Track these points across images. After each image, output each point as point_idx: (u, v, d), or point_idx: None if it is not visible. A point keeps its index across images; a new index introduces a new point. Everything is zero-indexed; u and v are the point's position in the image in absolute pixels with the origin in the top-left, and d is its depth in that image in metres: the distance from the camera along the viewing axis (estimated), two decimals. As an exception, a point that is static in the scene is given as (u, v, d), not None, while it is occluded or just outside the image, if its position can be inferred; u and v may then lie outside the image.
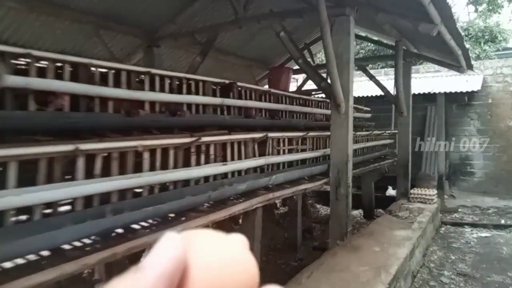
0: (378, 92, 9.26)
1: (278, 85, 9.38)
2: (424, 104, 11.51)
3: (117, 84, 3.04)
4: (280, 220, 7.79)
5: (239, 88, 4.49)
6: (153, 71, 3.15)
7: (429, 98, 10.84)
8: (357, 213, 9.02)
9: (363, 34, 9.34)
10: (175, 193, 2.79)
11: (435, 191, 8.19)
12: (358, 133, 6.70)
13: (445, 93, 10.15)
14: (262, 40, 8.54)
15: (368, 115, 9.00)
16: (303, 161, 5.05)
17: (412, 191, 8.19)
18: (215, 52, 8.08)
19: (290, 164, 4.74)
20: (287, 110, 5.54)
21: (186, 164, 3.01)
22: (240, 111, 4.54)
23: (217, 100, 3.95)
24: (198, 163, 3.09)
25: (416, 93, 9.96)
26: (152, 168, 2.70)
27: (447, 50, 6.38)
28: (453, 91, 10.09)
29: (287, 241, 6.64)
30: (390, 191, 9.79)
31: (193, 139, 2.83)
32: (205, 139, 3.02)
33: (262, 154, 4.04)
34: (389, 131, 8.90)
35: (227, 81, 4.11)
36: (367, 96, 10.94)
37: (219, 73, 8.67)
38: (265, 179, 3.79)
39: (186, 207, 2.87)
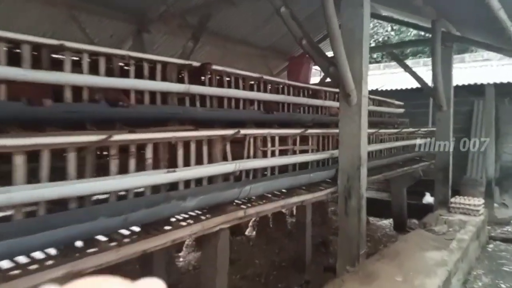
0: (415, 84, 8.01)
1: (298, 77, 8.39)
2: (470, 98, 10.03)
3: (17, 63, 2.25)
4: (293, 230, 6.79)
5: (218, 74, 3.60)
6: (68, 44, 2.32)
7: (476, 91, 9.38)
8: (387, 223, 7.83)
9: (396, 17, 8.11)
10: (71, 214, 1.94)
11: (482, 200, 6.86)
12: (382, 130, 5.59)
13: (495, 84, 8.63)
14: (276, 25, 7.56)
15: (401, 111, 7.78)
16: (305, 165, 4.06)
17: (453, 199, 6.91)
18: (222, 39, 7.23)
19: (286, 170, 3.77)
20: (290, 103, 4.58)
21: (105, 172, 2.17)
22: (221, 102, 3.65)
23: (180, 87, 3.08)
24: (124, 171, 2.23)
25: (460, 84, 8.57)
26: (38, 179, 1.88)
27: (497, 28, 5.12)
28: (505, 81, 8.56)
29: (297, 257, 5.65)
30: (428, 199, 8.47)
31: (101, 137, 1.97)
32: (125, 137, 2.15)
33: (239, 157, 3.12)
34: (425, 129, 7.62)
35: (196, 63, 3.23)
36: (401, 90, 9.64)
37: (230, 64, 7.82)
38: (233, 191, 2.85)
39: (81, 236, 1.98)
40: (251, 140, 3.16)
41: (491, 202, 8.71)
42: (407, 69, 7.50)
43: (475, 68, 10.02)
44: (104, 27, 5.67)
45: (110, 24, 5.70)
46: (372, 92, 10.35)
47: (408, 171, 6.47)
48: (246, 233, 6.33)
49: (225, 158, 2.91)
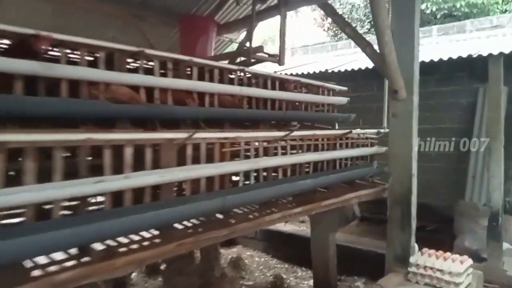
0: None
1: (193, 48, 5.51)
2: (473, 86, 6.84)
3: None
4: None
5: None
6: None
7: (481, 74, 6.20)
8: (309, 285, 4.74)
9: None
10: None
11: (468, 262, 3.70)
12: (241, 134, 2.58)
13: (504, 57, 5.36)
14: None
15: (342, 100, 4.70)
16: None
17: (413, 259, 3.78)
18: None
19: None
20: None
21: None
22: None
23: None
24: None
25: (446, 59, 5.44)
26: None
27: None
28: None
29: None
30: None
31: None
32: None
33: None
34: (378, 130, 4.51)
35: None
36: (362, 70, 6.56)
37: (96, 32, 5.32)
38: None
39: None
40: None
41: (497, 245, 5.54)
42: (348, 28, 4.44)
43: (480, 40, 6.78)
44: None
45: None
46: (321, 75, 7.21)
47: (323, 207, 3.38)
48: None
49: None
